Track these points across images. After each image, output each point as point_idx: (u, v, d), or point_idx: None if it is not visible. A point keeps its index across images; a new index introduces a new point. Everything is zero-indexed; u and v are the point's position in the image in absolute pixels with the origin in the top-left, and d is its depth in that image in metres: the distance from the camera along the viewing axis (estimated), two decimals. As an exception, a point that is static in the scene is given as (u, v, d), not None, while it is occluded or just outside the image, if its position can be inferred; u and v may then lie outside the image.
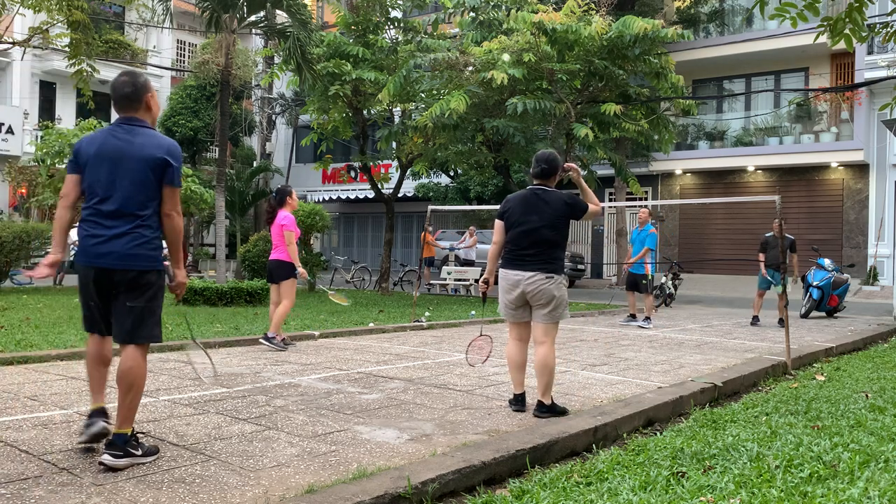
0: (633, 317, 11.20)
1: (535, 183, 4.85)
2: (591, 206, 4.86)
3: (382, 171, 20.36)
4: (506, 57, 13.11)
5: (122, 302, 3.51)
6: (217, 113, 22.74)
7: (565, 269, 4.83)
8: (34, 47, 17.18)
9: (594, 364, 6.89)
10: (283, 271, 7.57)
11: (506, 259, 4.76)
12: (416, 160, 17.66)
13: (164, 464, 3.39)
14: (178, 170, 3.59)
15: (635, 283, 11.05)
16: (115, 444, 3.35)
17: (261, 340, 7.54)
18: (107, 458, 3.30)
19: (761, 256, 11.55)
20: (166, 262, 3.68)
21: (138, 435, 3.56)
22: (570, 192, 4.82)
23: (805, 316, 12.69)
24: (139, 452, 3.42)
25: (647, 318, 10.93)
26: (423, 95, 15.96)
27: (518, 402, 4.75)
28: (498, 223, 4.86)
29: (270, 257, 7.70)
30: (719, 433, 4.24)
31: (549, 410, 4.54)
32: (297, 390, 5.26)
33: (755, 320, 11.52)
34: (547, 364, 4.59)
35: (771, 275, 11.41)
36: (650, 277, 10.95)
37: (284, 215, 7.59)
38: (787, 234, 11.39)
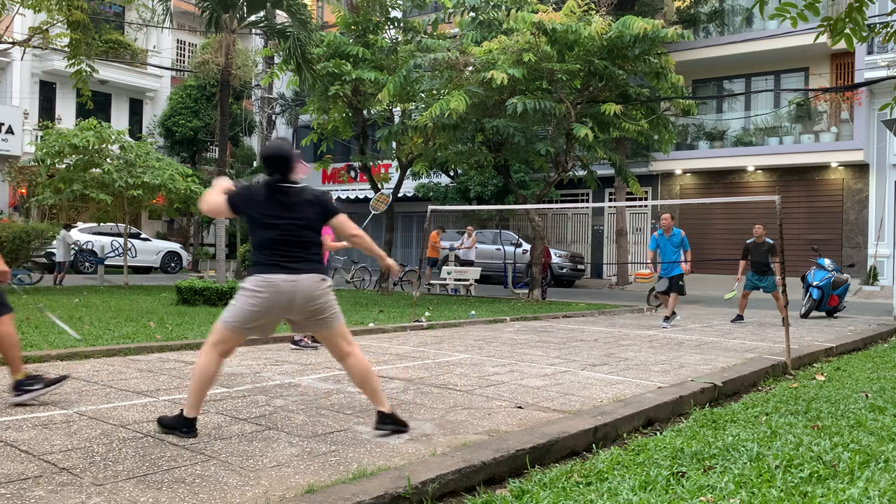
0: (673, 314, 11.19)
1: (274, 178, 4.03)
2: (352, 227, 4.20)
3: (382, 171, 20.36)
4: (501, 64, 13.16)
5: None
6: (217, 113, 22.75)
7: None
8: (34, 47, 17.18)
9: (594, 364, 6.89)
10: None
11: (267, 264, 3.92)
12: (416, 160, 17.66)
13: (164, 464, 3.39)
14: None
15: (672, 285, 11.05)
16: (14, 387, 4.58)
17: (291, 346, 7.64)
18: (11, 397, 4.57)
19: (742, 263, 11.85)
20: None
21: (38, 375, 4.69)
22: (318, 190, 4.19)
23: (805, 316, 12.70)
24: (38, 387, 4.59)
25: (668, 318, 11.01)
26: (423, 95, 15.96)
27: (193, 427, 3.91)
28: (228, 203, 4.03)
29: None
30: (719, 433, 4.24)
31: (392, 421, 3.99)
32: (297, 390, 5.26)
33: (738, 318, 11.83)
34: (369, 370, 4.08)
35: (757, 279, 11.68)
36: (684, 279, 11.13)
37: None
38: (766, 239, 11.59)
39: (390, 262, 4.71)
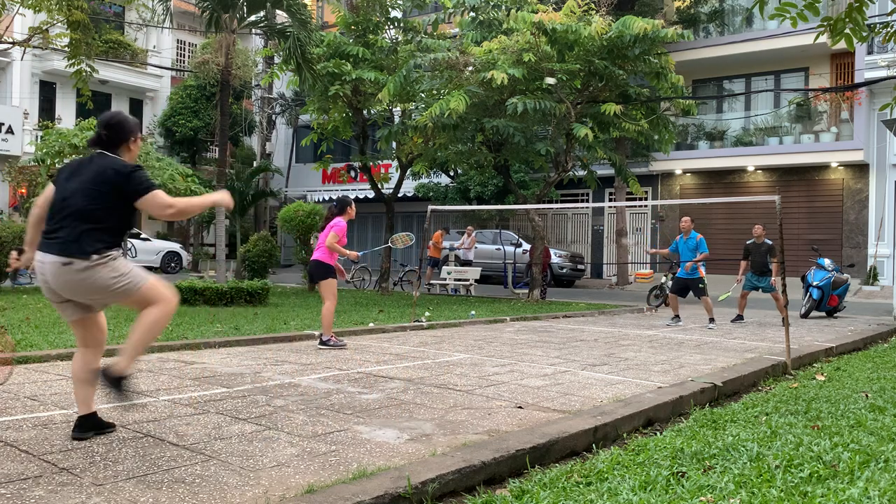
0: (677, 318, 11.39)
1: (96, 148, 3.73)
2: (162, 197, 3.59)
3: (382, 171, 20.36)
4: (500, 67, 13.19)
5: None
6: (217, 113, 22.75)
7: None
8: (34, 47, 17.17)
9: (594, 364, 6.89)
10: (321, 271, 7.65)
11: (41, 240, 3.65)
12: (416, 160, 17.66)
13: (164, 464, 3.39)
14: None
15: (686, 287, 11.31)
16: None
17: (318, 347, 7.63)
18: None
19: (743, 264, 11.87)
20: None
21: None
22: (131, 164, 3.66)
23: (805, 316, 12.71)
24: None
25: (712, 319, 11.12)
26: (423, 95, 15.97)
27: (81, 427, 3.75)
28: (48, 188, 3.76)
29: (311, 258, 7.85)
30: (719, 433, 4.24)
31: (117, 384, 3.55)
32: (297, 390, 5.26)
33: (738, 318, 11.91)
34: (156, 324, 3.60)
35: (756, 279, 11.70)
36: (705, 282, 11.26)
37: (338, 220, 7.72)
38: (765, 240, 11.62)
39: (223, 198, 4.01)
